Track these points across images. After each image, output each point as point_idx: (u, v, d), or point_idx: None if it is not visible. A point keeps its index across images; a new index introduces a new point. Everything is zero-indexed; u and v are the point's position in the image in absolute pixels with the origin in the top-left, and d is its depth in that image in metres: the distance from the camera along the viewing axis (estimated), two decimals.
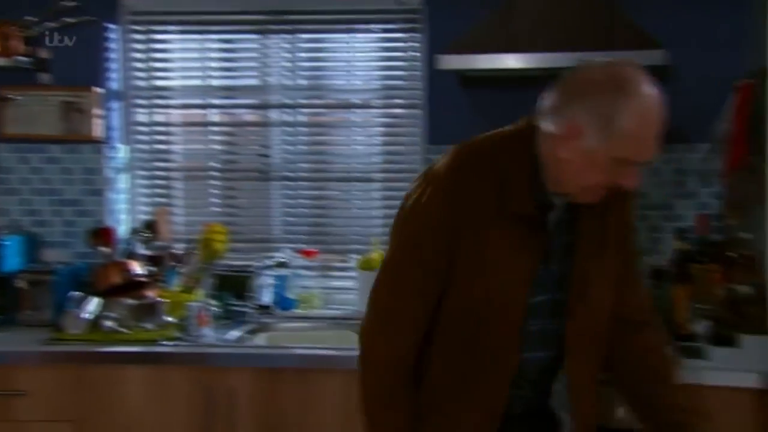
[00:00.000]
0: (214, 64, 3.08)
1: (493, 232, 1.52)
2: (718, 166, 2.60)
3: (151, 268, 2.79)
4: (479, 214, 1.52)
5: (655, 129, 1.47)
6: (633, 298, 1.70)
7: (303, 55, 3.03)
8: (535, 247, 1.55)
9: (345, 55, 3.02)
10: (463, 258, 1.53)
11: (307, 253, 2.98)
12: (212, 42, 3.07)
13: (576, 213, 1.58)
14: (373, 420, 1.63)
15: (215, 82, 3.07)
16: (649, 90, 1.46)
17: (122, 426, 2.43)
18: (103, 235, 2.86)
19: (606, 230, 1.61)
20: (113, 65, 3.02)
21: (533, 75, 2.74)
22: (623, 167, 1.47)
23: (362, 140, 3.02)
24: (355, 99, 3.01)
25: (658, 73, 2.45)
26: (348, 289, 3.00)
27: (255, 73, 3.06)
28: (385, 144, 3.00)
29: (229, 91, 3.08)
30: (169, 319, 2.61)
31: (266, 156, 3.06)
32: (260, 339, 2.72)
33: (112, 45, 3.01)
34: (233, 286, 2.84)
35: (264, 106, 3.06)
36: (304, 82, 3.03)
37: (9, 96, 2.91)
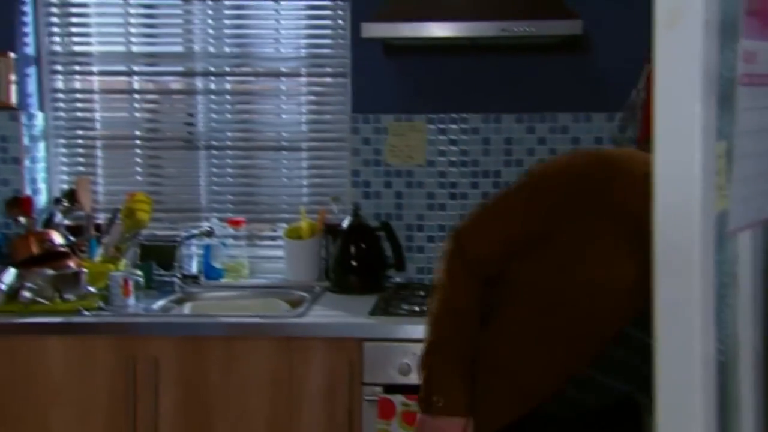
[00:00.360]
0: (134, 30, 3.00)
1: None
2: (633, 134, 2.68)
3: (72, 238, 2.74)
4: None
5: None
6: None
7: (228, 22, 2.99)
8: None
9: (271, 23, 2.98)
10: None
11: (234, 223, 2.96)
12: (133, 7, 2.99)
13: None
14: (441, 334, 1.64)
15: (137, 49, 3.00)
16: None
17: (44, 397, 2.39)
18: (20, 204, 2.78)
19: None
20: (27, 29, 2.92)
21: (457, 44, 2.78)
22: None
23: (289, 109, 3.00)
24: (282, 67, 2.99)
25: (576, 43, 2.52)
26: (276, 258, 2.99)
27: (179, 40, 3.00)
28: (312, 113, 2.99)
29: (152, 57, 3.01)
30: (91, 289, 2.56)
31: (192, 125, 3.02)
32: (186, 308, 2.70)
33: (26, 8, 2.90)
34: (158, 256, 2.81)
35: (189, 74, 3.01)
36: (229, 49, 2.99)
37: None
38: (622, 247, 1.47)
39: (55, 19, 2.97)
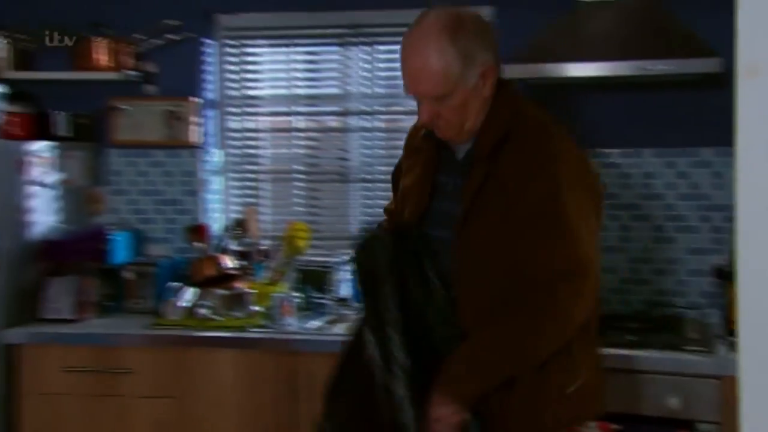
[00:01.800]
0: (299, 75, 3.33)
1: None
2: None
3: (241, 262, 3.07)
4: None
5: (403, 64, 1.71)
6: (530, 256, 1.66)
7: (380, 65, 3.25)
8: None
9: None
10: None
11: None
12: (298, 54, 3.33)
13: (472, 159, 1.73)
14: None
15: (300, 91, 3.33)
16: (409, 31, 1.71)
17: (215, 402, 2.70)
18: (199, 231, 3.15)
19: (493, 179, 1.67)
20: (209, 77, 3.32)
21: (595, 83, 2.88)
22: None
23: None
24: None
25: (716, 79, 2.55)
26: None
27: (336, 83, 3.30)
28: None
29: (312, 99, 3.33)
30: (256, 308, 2.87)
31: (346, 159, 3.30)
32: (338, 328, 2.95)
33: (209, 59, 3.30)
34: (314, 280, 3.08)
35: (344, 113, 3.30)
36: (381, 90, 3.25)
37: (119, 106, 3.24)
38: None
39: (232, 67, 3.36)
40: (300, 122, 3.36)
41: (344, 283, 3.16)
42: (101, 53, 3.09)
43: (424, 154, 1.83)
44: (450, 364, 1.69)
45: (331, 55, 3.31)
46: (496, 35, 1.79)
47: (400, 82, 3.41)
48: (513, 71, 2.70)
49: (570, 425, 1.76)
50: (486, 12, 3.04)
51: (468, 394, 1.68)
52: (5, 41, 3.11)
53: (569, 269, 1.65)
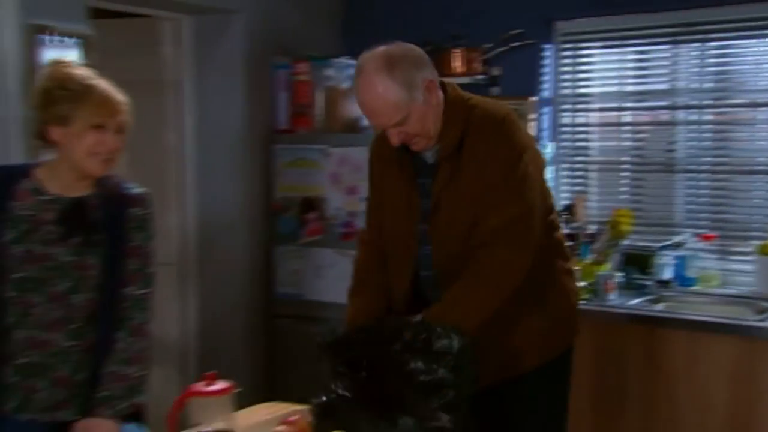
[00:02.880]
0: (629, 73, 3.59)
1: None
2: None
3: (569, 243, 3.43)
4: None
5: (361, 106, 1.93)
6: (480, 223, 1.93)
7: (711, 60, 3.38)
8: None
9: (752, 58, 3.29)
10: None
11: (706, 237, 3.33)
12: (628, 54, 3.59)
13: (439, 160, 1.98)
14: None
15: (629, 88, 3.59)
16: (356, 78, 1.92)
17: None
18: None
19: (458, 171, 1.94)
20: (546, 78, 3.73)
21: None
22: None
23: (765, 136, 3.26)
24: (761, 98, 3.26)
25: None
26: (746, 272, 3.27)
27: (665, 79, 3.50)
28: None
29: (640, 95, 3.57)
30: (582, 283, 3.22)
31: (672, 151, 3.49)
32: (658, 307, 3.18)
33: (546, 62, 3.71)
34: (637, 262, 3.34)
35: (671, 108, 3.49)
36: (710, 84, 3.38)
37: None
38: None
39: (566, 68, 3.73)
40: (627, 117, 3.62)
41: (666, 267, 3.36)
42: (457, 61, 3.66)
43: (402, 164, 2.04)
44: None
45: (661, 53, 3.51)
46: (422, 53, 1.99)
47: (731, 76, 3.66)
48: None
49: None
50: None
51: None
52: None
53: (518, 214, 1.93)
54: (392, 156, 2.04)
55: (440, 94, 1.97)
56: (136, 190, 1.99)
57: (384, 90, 1.87)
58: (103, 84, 1.90)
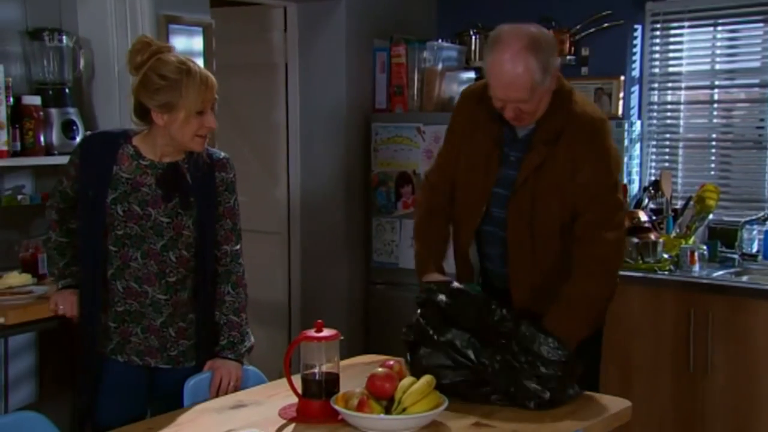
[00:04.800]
0: (719, 51, 3.65)
1: None
2: None
3: (654, 217, 3.55)
4: None
5: (497, 78, 2.03)
6: (582, 215, 2.09)
7: None
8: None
9: None
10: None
11: None
12: (719, 33, 3.65)
13: (532, 139, 2.11)
14: None
15: (718, 66, 3.65)
16: (498, 51, 2.01)
17: (626, 331, 3.23)
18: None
19: (550, 159, 2.07)
20: (635, 57, 3.82)
21: None
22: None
23: None
24: None
25: None
26: None
27: (756, 57, 3.55)
28: None
29: (730, 73, 3.63)
30: (665, 255, 3.34)
31: (762, 128, 3.54)
32: (744, 278, 3.27)
33: (635, 41, 3.81)
34: (723, 236, 3.44)
35: (762, 85, 3.53)
36: None
37: None
38: None
39: (656, 48, 3.82)
40: (716, 95, 3.68)
41: (752, 241, 3.44)
42: None
43: (490, 130, 2.15)
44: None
45: (753, 31, 3.55)
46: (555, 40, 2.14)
47: None
48: None
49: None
50: None
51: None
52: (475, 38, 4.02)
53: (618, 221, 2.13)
54: (486, 122, 2.16)
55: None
56: (221, 155, 2.15)
57: (525, 69, 1.99)
58: (195, 68, 2.00)
